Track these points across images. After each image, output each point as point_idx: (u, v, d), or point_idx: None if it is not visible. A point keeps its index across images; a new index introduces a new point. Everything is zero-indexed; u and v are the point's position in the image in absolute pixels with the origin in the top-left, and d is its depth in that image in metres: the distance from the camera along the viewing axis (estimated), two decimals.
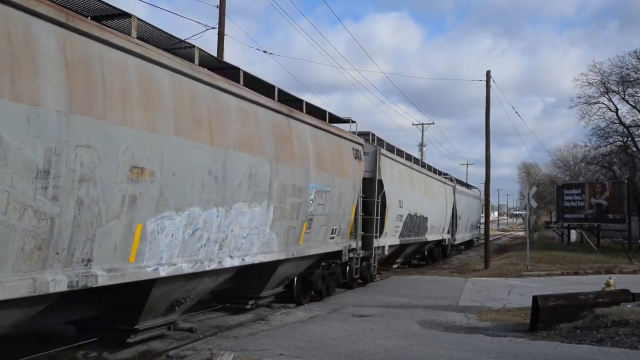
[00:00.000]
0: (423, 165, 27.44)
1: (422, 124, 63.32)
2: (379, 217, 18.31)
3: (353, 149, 15.53)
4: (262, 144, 10.52)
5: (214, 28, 19.54)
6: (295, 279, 14.01)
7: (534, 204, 28.61)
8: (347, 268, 16.89)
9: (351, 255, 16.32)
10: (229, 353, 8.74)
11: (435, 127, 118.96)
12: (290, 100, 12.64)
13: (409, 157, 23.95)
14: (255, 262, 10.66)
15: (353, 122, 16.62)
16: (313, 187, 12.63)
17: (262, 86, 11.40)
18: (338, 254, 15.22)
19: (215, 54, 15.71)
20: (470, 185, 48.65)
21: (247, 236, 10.28)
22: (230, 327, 11.36)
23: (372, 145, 18.90)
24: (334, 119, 15.40)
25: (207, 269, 9.22)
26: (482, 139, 32.56)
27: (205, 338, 10.19)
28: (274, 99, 11.59)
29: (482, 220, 38.99)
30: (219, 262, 9.55)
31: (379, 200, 18.34)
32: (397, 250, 22.81)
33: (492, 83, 30.46)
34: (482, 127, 30.53)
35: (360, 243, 17.03)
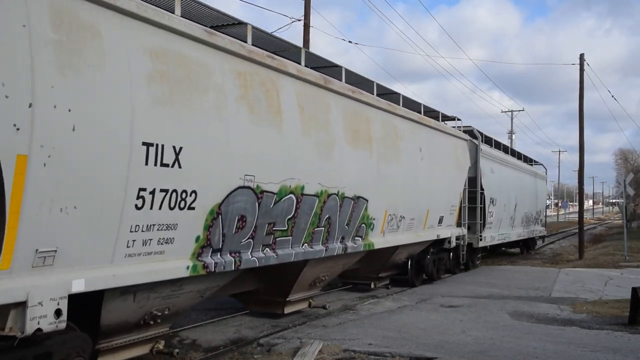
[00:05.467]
0: (350, 78, 11.47)
1: (512, 110, 62.45)
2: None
3: None
4: None
5: (299, 20, 19.73)
6: None
7: (630, 191, 27.54)
8: None
9: None
10: (318, 342, 8.88)
11: (526, 113, 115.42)
12: None
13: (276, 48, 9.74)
14: None
15: None
16: None
17: None
18: None
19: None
20: (530, 159, 29.93)
21: None
22: (320, 316, 11.50)
23: None
24: None
25: None
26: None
27: (295, 327, 10.37)
28: None
29: (572, 210, 35.97)
30: None
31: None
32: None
33: (586, 67, 29.33)
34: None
35: None
